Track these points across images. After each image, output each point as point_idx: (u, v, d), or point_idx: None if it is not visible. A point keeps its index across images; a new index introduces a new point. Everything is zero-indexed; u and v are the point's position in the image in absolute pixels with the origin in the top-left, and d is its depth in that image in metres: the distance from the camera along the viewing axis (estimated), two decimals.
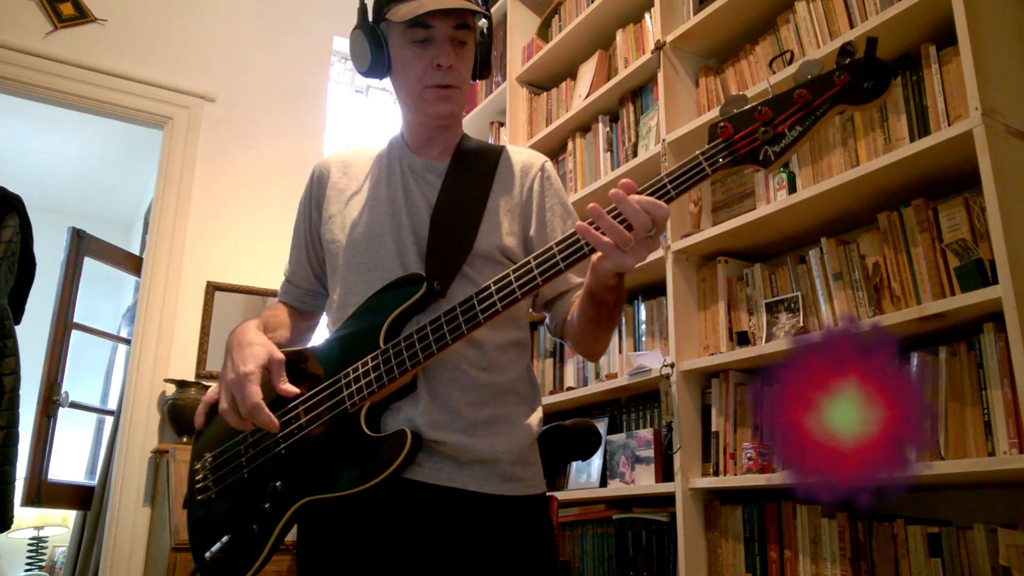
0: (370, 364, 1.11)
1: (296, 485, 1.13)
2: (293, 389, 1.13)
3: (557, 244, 1.02)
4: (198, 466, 1.26)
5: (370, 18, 1.26)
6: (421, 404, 1.11)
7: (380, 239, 1.21)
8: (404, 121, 1.32)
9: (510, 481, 1.14)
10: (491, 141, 3.42)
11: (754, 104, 0.96)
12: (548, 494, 1.25)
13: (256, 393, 1.08)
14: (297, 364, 1.18)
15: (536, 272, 1.03)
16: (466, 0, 1.18)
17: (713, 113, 2.32)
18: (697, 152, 0.98)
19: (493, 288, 1.05)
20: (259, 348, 1.14)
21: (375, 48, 1.25)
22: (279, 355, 1.15)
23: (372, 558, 1.11)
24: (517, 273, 1.04)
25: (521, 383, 1.21)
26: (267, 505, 1.14)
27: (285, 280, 1.41)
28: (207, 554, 1.17)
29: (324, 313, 1.35)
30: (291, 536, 1.16)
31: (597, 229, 0.97)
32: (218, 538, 1.17)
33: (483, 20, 1.29)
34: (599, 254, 0.99)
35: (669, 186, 0.97)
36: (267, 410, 1.08)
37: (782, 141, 0.95)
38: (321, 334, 1.34)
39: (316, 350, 1.21)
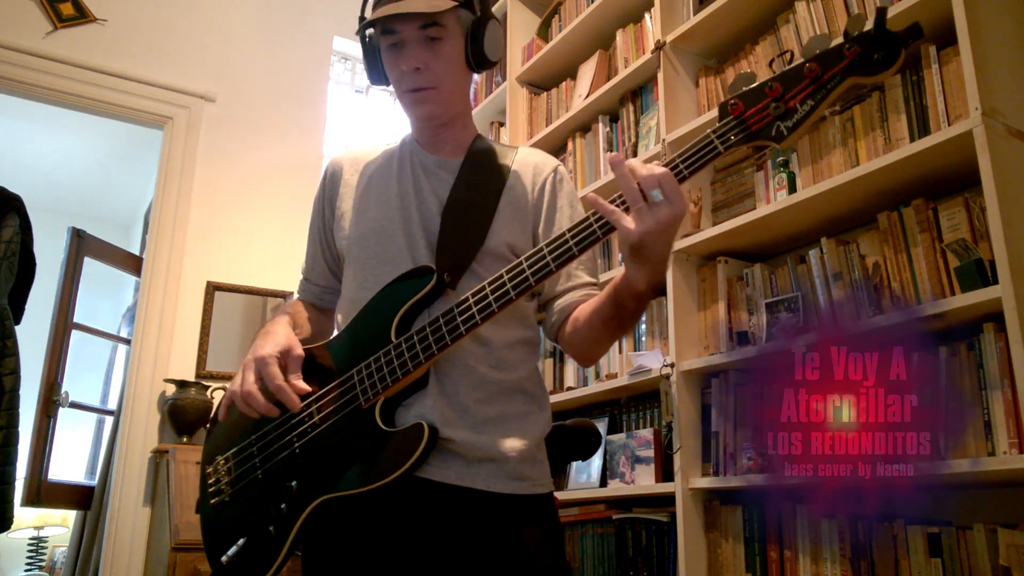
0: (383, 359, 1.11)
1: (312, 484, 1.12)
2: (304, 386, 1.13)
3: (570, 230, 1.02)
4: (210, 469, 1.26)
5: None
6: (431, 400, 1.11)
7: (390, 234, 1.21)
8: (409, 120, 1.32)
9: (518, 480, 1.13)
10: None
11: (764, 80, 0.95)
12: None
13: (278, 374, 1.10)
14: (310, 361, 1.18)
15: (549, 258, 1.03)
16: (419, 1, 1.15)
17: (713, 113, 2.32)
18: (709, 131, 0.97)
19: (506, 277, 1.05)
20: (281, 337, 1.17)
21: (368, 56, 1.26)
22: (298, 351, 1.16)
23: (380, 557, 1.11)
24: (529, 261, 1.04)
25: (530, 382, 1.21)
26: (283, 506, 1.13)
27: (303, 278, 1.41)
28: (223, 558, 1.16)
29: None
30: None
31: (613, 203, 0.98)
32: (234, 541, 1.16)
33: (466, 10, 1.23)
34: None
35: (681, 165, 0.96)
36: (290, 391, 1.10)
37: (794, 116, 0.94)
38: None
39: (328, 346, 1.21)
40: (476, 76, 1.34)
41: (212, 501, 1.23)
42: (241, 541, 1.16)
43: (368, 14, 1.22)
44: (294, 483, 1.13)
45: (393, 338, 1.11)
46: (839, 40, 0.94)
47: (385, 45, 1.22)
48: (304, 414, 1.15)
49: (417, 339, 1.09)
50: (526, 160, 1.29)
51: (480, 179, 1.24)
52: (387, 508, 1.11)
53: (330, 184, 1.34)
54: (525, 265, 1.04)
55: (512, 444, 1.13)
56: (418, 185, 1.25)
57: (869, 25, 0.92)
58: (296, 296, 1.43)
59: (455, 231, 1.18)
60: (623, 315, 1.11)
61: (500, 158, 1.27)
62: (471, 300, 1.06)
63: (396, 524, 1.11)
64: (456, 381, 1.13)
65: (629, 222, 0.95)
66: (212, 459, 1.27)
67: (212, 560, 1.20)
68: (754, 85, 0.96)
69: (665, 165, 0.96)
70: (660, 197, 0.94)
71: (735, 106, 0.95)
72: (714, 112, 2.31)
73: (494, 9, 3.43)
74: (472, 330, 1.06)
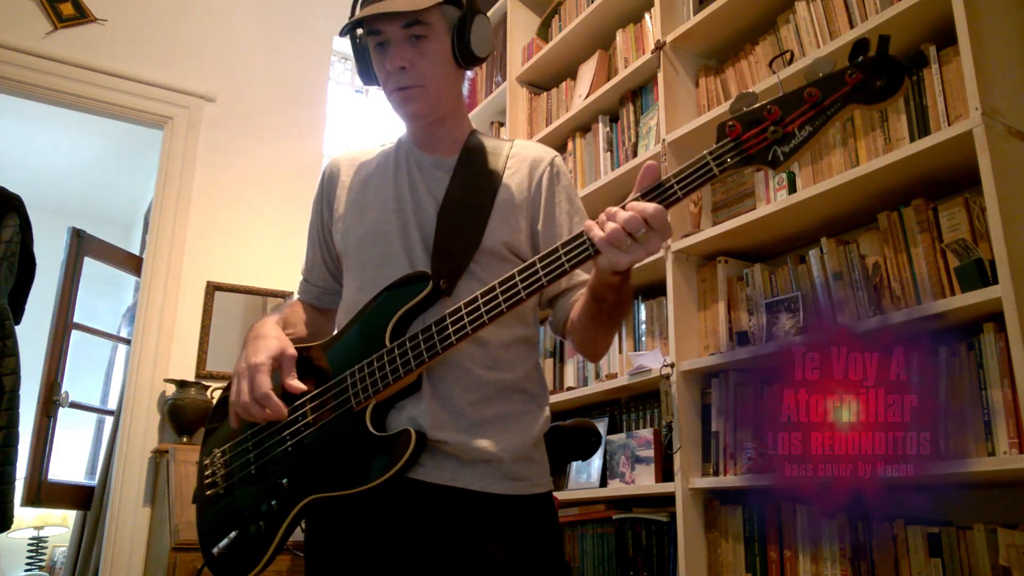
0: (376, 363, 1.11)
1: (302, 482, 1.13)
2: (300, 386, 1.15)
3: (563, 245, 1.03)
4: (207, 462, 1.27)
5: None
6: (424, 403, 1.11)
7: (387, 236, 1.21)
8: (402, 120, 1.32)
9: (513, 480, 1.13)
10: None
11: (763, 103, 0.95)
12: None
13: (266, 383, 1.11)
14: (305, 361, 1.19)
15: (541, 273, 1.03)
16: (395, 1, 1.15)
17: (713, 113, 2.32)
18: (705, 152, 0.97)
19: (498, 289, 1.05)
20: (273, 341, 1.17)
21: (359, 56, 1.26)
22: (291, 351, 1.17)
23: (376, 557, 1.12)
24: (523, 274, 1.04)
25: (528, 381, 1.21)
26: (273, 502, 1.14)
27: (303, 279, 1.41)
28: (215, 549, 1.18)
29: None
30: (293, 536, 1.16)
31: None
32: (226, 534, 1.18)
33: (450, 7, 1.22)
34: None
35: (676, 187, 0.97)
36: (276, 399, 1.11)
37: (792, 141, 0.93)
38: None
39: (324, 348, 1.22)
40: (470, 73, 1.33)
41: (207, 493, 1.25)
42: (232, 534, 1.17)
43: (356, 14, 1.22)
44: (285, 481, 1.15)
45: (387, 343, 1.12)
46: (841, 41, 0.93)
47: (372, 45, 1.22)
48: (298, 413, 1.16)
49: (409, 346, 1.09)
50: (522, 154, 1.28)
51: (475, 177, 1.24)
52: (383, 510, 1.11)
53: (328, 185, 1.34)
54: (518, 279, 1.04)
55: (508, 444, 1.13)
56: (414, 186, 1.25)
57: (872, 51, 0.91)
58: (296, 296, 1.43)
59: (451, 233, 1.18)
60: (607, 307, 1.11)
61: (495, 154, 1.27)
62: (464, 311, 1.07)
63: (393, 526, 1.12)
64: (450, 384, 1.13)
65: (623, 257, 0.97)
66: (210, 452, 1.28)
67: (204, 551, 1.21)
68: (753, 107, 0.95)
69: (660, 185, 0.97)
70: (645, 232, 0.95)
71: (732, 128, 0.95)
72: (714, 112, 2.31)
73: (494, 9, 3.45)
74: (463, 340, 1.07)
